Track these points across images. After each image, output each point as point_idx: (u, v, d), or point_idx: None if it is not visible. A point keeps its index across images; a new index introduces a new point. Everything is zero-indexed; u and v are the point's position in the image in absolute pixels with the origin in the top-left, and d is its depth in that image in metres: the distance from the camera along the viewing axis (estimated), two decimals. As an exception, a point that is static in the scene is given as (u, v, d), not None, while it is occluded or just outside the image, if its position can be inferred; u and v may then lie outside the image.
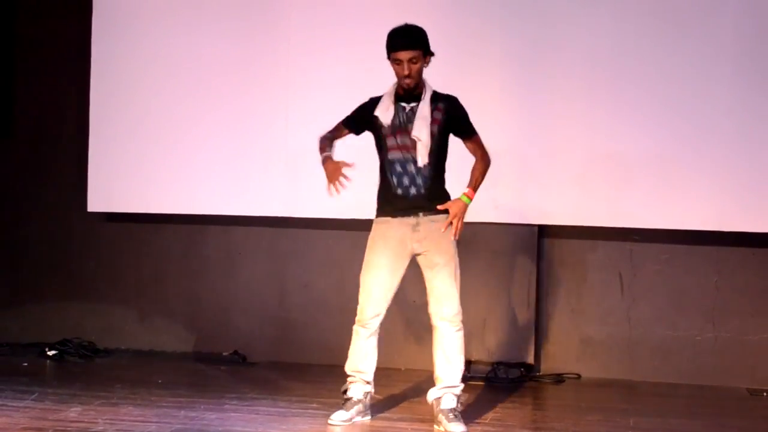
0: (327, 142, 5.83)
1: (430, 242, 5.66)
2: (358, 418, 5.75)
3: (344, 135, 5.92)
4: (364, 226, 7.40)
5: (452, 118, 5.72)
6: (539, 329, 7.29)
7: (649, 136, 7.00)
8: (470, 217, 7.17)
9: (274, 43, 7.49)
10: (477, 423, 5.81)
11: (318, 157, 5.81)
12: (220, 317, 7.72)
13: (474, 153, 5.83)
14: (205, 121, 7.61)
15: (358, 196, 7.33)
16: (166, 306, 7.91)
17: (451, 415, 5.58)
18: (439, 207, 5.67)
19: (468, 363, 7.26)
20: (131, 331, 7.92)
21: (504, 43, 7.18)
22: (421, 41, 5.66)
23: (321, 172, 7.30)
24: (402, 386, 6.87)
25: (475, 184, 5.78)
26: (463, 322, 5.73)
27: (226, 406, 6.12)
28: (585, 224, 7.14)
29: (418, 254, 5.70)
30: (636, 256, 7.24)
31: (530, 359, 7.22)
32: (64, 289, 8.08)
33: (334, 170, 5.67)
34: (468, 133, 5.81)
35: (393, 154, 5.70)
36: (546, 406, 6.68)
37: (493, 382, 7.09)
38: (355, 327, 5.80)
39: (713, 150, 6.93)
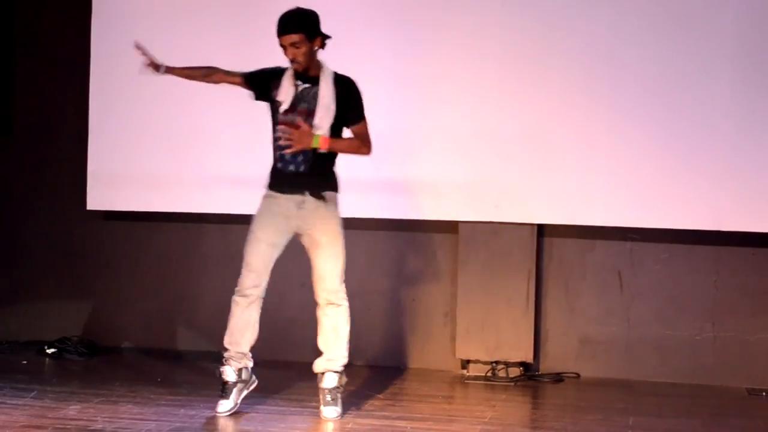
0: (191, 71, 6.09)
1: (314, 221, 5.81)
2: (245, 392, 5.91)
3: (234, 83, 5.98)
4: (363, 225, 7.44)
5: (344, 105, 5.78)
6: (538, 328, 7.29)
7: (648, 135, 7.00)
8: (470, 216, 7.22)
9: (274, 42, 7.47)
10: (476, 422, 5.81)
11: None
12: (218, 316, 7.68)
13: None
14: (204, 120, 7.60)
15: (353, 195, 7.37)
16: (165, 304, 7.91)
17: (329, 397, 5.83)
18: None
19: (467, 362, 7.30)
20: (130, 330, 7.92)
21: (502, 41, 7.18)
22: (303, 25, 5.72)
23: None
24: (401, 384, 6.88)
25: (338, 141, 5.81)
26: (349, 299, 5.98)
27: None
28: (584, 223, 7.15)
29: (302, 232, 5.85)
30: (635, 255, 7.24)
31: (529, 358, 7.22)
32: (63, 288, 8.08)
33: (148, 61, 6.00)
34: (353, 121, 5.84)
35: (279, 137, 5.78)
36: (545, 406, 6.68)
37: (492, 381, 7.10)
38: (233, 297, 5.88)
39: (713, 149, 6.93)
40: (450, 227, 7.35)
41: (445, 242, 7.44)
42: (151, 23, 7.67)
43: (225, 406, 5.83)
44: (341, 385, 5.92)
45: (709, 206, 6.92)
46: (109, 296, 8.02)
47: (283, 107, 5.77)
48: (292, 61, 5.72)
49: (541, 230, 7.29)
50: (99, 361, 7.57)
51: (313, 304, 7.59)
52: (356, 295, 7.52)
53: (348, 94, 5.81)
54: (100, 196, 7.76)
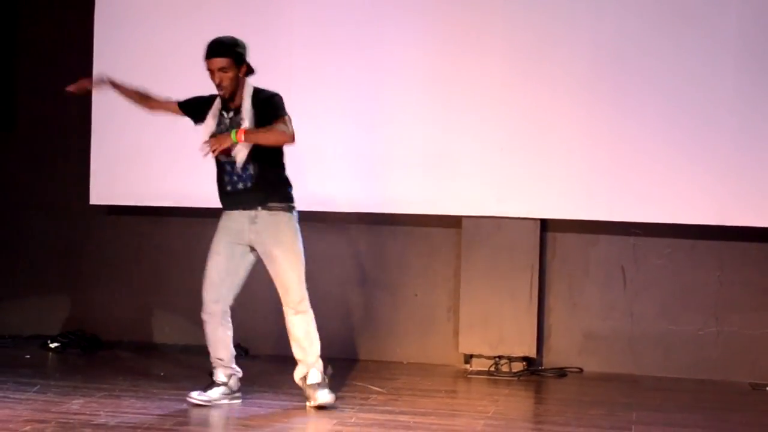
0: (134, 92, 6.15)
1: (268, 235, 5.90)
2: (225, 401, 5.95)
3: (170, 110, 6.18)
4: (366, 219, 7.44)
5: (263, 114, 5.82)
6: (541, 323, 7.29)
7: (652, 131, 7.00)
8: (473, 210, 7.21)
9: (275, 37, 7.47)
10: (479, 417, 5.81)
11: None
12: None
13: None
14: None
15: (356, 190, 7.37)
16: (168, 299, 7.90)
17: (318, 388, 5.91)
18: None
19: (470, 357, 7.30)
20: (133, 324, 7.92)
21: (506, 36, 7.17)
22: (231, 50, 5.82)
23: (325, 167, 7.37)
24: (404, 380, 6.87)
25: (255, 131, 5.77)
26: (312, 303, 6.08)
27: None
28: (587, 218, 7.14)
29: (256, 247, 5.94)
30: (638, 250, 7.24)
31: (532, 353, 7.22)
32: (66, 282, 8.08)
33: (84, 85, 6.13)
34: (274, 119, 5.81)
35: (219, 157, 5.88)
36: (548, 400, 6.68)
37: (495, 376, 7.10)
38: (201, 315, 5.99)
39: (716, 144, 6.92)
40: (453, 222, 7.35)
41: (448, 237, 7.44)
42: (154, 17, 7.68)
43: (199, 396, 5.91)
44: (328, 374, 6.02)
45: (712, 201, 6.92)
46: (113, 291, 8.02)
47: (204, 139, 5.84)
48: (218, 86, 5.82)
49: (545, 225, 7.29)
50: (102, 355, 7.57)
51: (315, 298, 7.62)
52: (359, 290, 7.56)
53: (265, 104, 5.84)
54: (103, 191, 7.76)
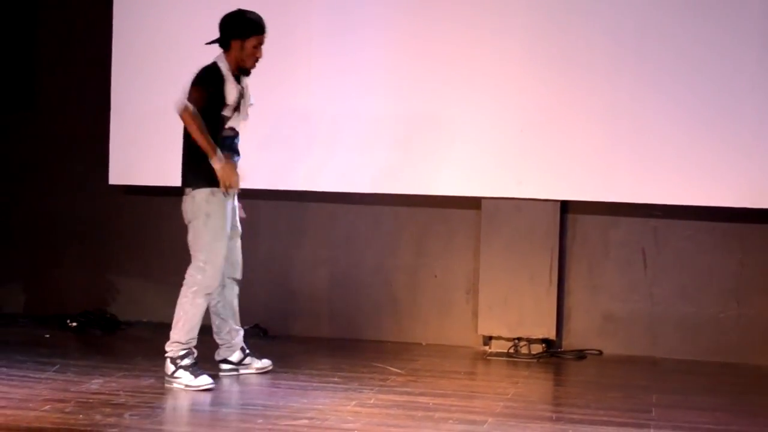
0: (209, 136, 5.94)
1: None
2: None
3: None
4: (385, 200, 7.43)
5: None
6: (561, 305, 7.26)
7: (673, 112, 6.95)
8: (492, 192, 7.19)
9: (295, 22, 7.44)
10: (498, 398, 5.80)
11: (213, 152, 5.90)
12: (240, 291, 7.69)
13: None
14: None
15: (376, 171, 7.35)
16: (187, 279, 7.90)
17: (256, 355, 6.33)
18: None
19: (489, 338, 7.29)
20: (152, 304, 7.92)
21: (526, 17, 7.12)
22: None
23: (342, 147, 7.35)
24: (423, 361, 6.86)
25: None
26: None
27: (247, 380, 6.13)
28: (608, 200, 7.10)
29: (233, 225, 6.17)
30: (659, 232, 7.20)
31: (552, 335, 7.19)
32: (85, 262, 8.09)
33: (233, 172, 5.94)
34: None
35: (226, 132, 5.99)
36: (567, 383, 6.66)
37: (514, 357, 7.08)
38: (202, 299, 5.97)
39: (737, 126, 6.87)
40: (473, 203, 7.32)
41: (467, 218, 7.41)
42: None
43: (206, 379, 5.92)
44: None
45: (734, 183, 6.87)
46: (131, 270, 8.03)
47: (227, 110, 5.97)
48: (256, 59, 6.01)
49: (565, 207, 7.26)
50: (121, 335, 7.59)
51: (334, 280, 7.63)
52: (378, 271, 7.55)
53: None
54: (122, 171, 7.76)
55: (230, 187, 5.90)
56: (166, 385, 5.85)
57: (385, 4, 7.32)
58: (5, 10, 8.05)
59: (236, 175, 5.92)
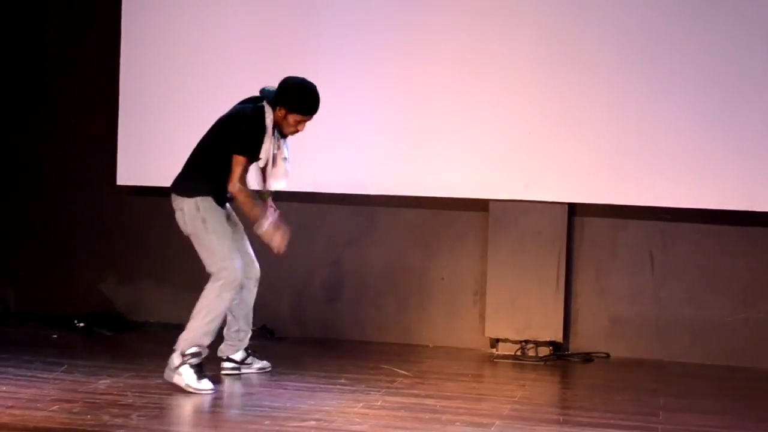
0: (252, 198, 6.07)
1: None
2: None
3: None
4: (393, 202, 7.42)
5: None
6: (568, 308, 7.26)
7: (681, 114, 6.94)
8: (500, 194, 7.19)
9: (303, 20, 7.45)
10: (505, 401, 5.80)
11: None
12: (248, 292, 7.74)
13: None
14: (234, 96, 7.55)
15: (383, 173, 7.35)
16: (194, 280, 7.85)
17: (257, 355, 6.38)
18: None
19: (496, 341, 7.28)
20: (159, 305, 7.94)
21: (534, 20, 7.12)
22: None
23: (351, 149, 7.36)
24: (430, 363, 6.87)
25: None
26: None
27: (254, 381, 6.13)
28: (616, 203, 7.09)
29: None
30: (667, 235, 7.19)
31: (559, 338, 7.19)
32: (92, 262, 8.10)
33: (278, 233, 6.05)
34: None
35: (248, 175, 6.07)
36: (575, 386, 6.66)
37: (521, 360, 7.08)
38: (228, 293, 5.99)
39: (746, 129, 6.86)
40: (480, 205, 7.32)
41: (475, 221, 7.41)
42: (182, 1, 7.66)
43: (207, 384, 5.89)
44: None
45: (742, 186, 6.86)
46: (139, 271, 8.04)
47: (261, 163, 6.06)
48: (295, 131, 6.02)
49: (572, 209, 7.25)
50: (128, 335, 7.60)
51: (341, 281, 7.64)
52: (385, 273, 7.55)
53: None
54: (130, 172, 7.77)
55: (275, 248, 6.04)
56: (165, 377, 5.83)
57: (393, 7, 7.32)
58: (15, 13, 8.06)
59: (279, 234, 6.03)
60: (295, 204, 7.62)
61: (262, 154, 5.96)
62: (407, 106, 7.30)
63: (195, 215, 5.97)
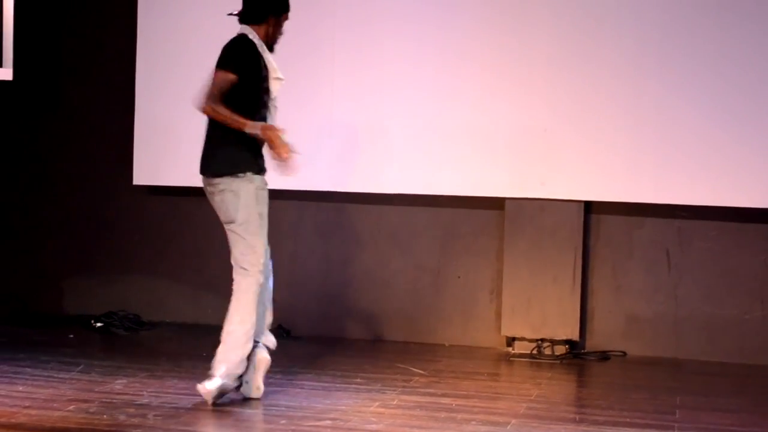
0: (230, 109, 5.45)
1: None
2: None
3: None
4: (409, 201, 7.42)
5: None
6: (585, 306, 7.24)
7: (698, 112, 6.92)
8: (516, 192, 7.18)
9: (319, 16, 7.45)
10: (521, 400, 5.79)
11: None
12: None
13: None
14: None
15: (399, 171, 7.35)
16: (210, 279, 7.92)
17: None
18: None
19: (512, 339, 7.27)
20: (176, 305, 7.95)
21: (550, 16, 7.11)
22: None
23: (368, 148, 7.35)
24: (446, 362, 6.86)
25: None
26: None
27: (270, 380, 6.12)
28: (632, 200, 7.08)
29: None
30: (684, 233, 7.16)
31: (575, 336, 7.17)
32: (109, 262, 8.12)
33: (278, 136, 5.42)
34: None
35: (263, 112, 5.63)
36: (591, 384, 6.65)
37: (537, 359, 7.06)
38: (258, 288, 5.63)
39: (761, 127, 6.84)
40: (496, 204, 7.31)
41: (491, 219, 7.40)
42: (199, 0, 7.67)
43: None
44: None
45: (759, 184, 6.84)
46: (155, 271, 8.05)
47: (276, 75, 5.66)
48: (281, 34, 5.75)
49: (589, 207, 7.23)
50: (145, 335, 7.62)
51: (357, 280, 7.64)
52: (401, 271, 7.55)
53: None
54: (146, 171, 7.79)
55: (283, 151, 5.41)
56: (199, 386, 5.49)
57: (409, 6, 7.32)
58: (32, 14, 8.08)
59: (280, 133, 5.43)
60: (311, 203, 7.63)
61: (272, 69, 5.62)
62: (424, 105, 7.29)
63: (250, 201, 5.57)
